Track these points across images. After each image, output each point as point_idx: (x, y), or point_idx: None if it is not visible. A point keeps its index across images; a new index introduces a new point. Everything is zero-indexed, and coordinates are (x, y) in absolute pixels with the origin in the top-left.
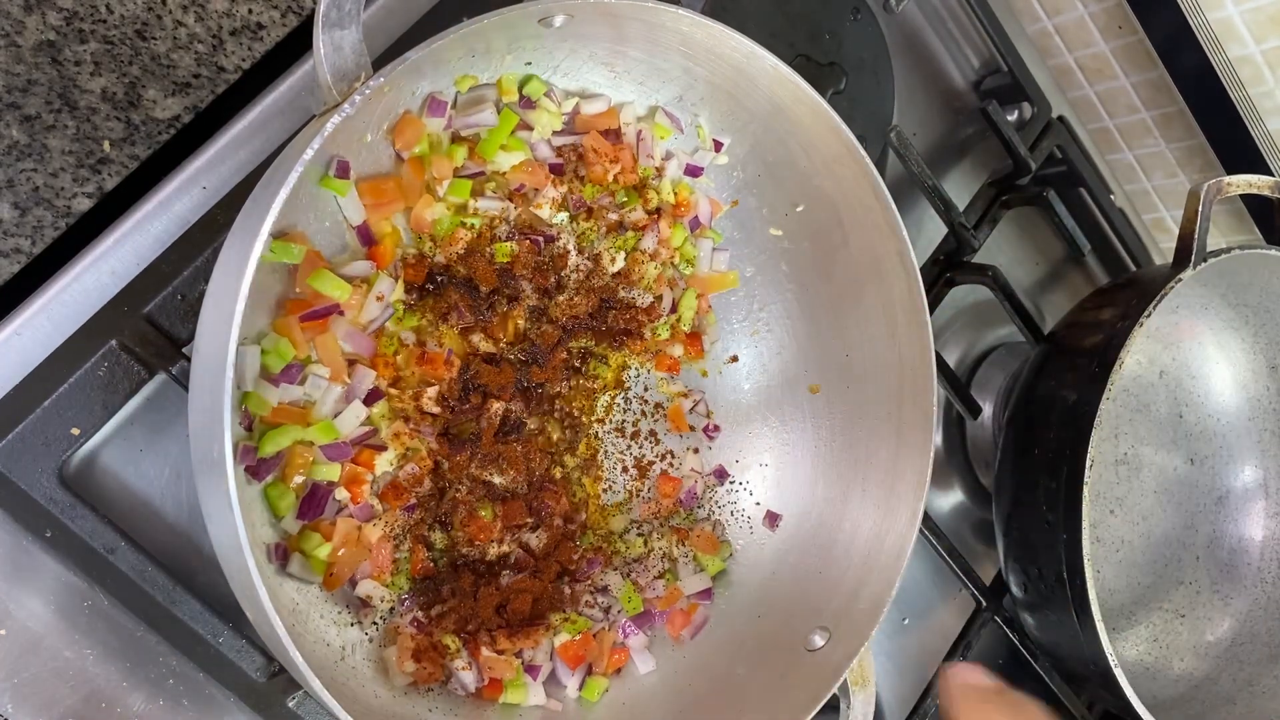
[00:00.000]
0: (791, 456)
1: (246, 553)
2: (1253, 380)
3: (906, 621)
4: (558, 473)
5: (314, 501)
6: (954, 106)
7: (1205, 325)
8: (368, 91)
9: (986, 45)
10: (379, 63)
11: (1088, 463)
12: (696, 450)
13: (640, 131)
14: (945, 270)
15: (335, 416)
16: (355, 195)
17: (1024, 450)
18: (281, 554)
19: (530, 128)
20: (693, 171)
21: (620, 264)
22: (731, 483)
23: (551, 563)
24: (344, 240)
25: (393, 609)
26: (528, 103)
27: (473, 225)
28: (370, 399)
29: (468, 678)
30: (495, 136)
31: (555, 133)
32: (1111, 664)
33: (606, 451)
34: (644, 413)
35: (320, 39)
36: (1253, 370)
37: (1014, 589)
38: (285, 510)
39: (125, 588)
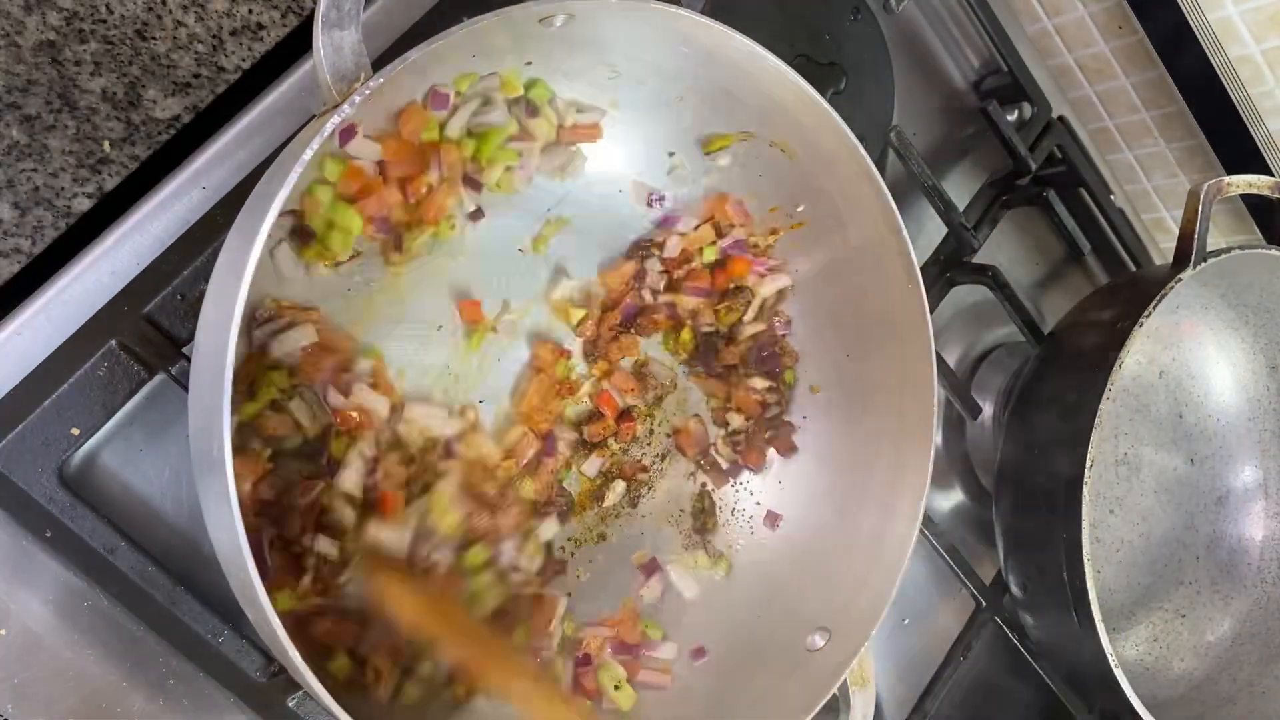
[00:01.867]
0: (792, 456)
1: (246, 552)
2: (1253, 380)
3: (906, 621)
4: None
5: None
6: (954, 106)
7: (1205, 325)
8: (367, 92)
9: (986, 45)
10: (379, 63)
11: (1088, 463)
12: None
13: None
14: (945, 270)
15: None
16: None
17: (1024, 450)
18: None
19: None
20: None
21: None
22: (732, 483)
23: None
24: None
25: None
26: (532, 110)
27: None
28: None
29: None
30: (494, 136)
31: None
32: (1111, 664)
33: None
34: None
35: (320, 39)
36: (1253, 370)
37: (1014, 589)
38: None
39: (125, 588)
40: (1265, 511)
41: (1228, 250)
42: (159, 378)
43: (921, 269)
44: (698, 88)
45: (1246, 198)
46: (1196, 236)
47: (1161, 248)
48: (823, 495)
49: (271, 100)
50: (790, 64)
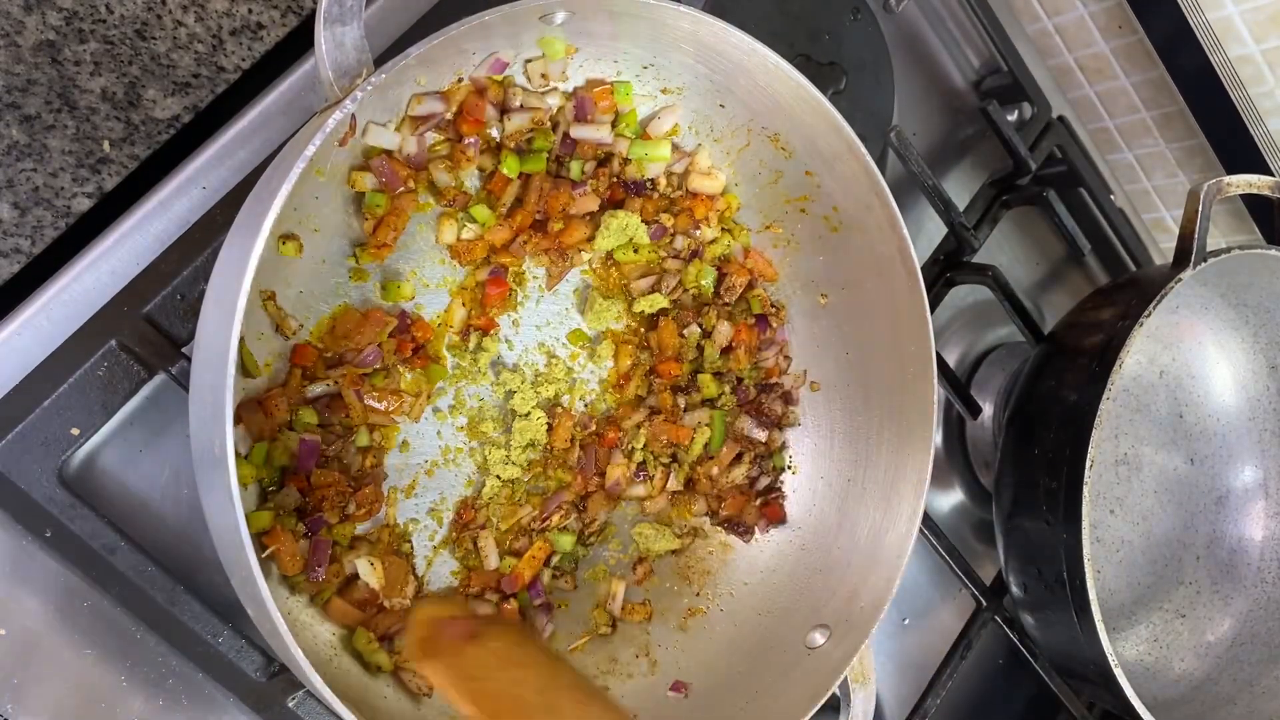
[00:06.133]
0: (792, 455)
1: (248, 547)
2: (1253, 380)
3: (906, 621)
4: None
5: None
6: (954, 106)
7: (1205, 325)
8: (369, 88)
9: (986, 45)
10: (380, 61)
11: (1088, 463)
12: None
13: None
14: (945, 270)
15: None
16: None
17: (1024, 450)
18: None
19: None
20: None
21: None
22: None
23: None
24: (343, 245)
25: None
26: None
27: None
28: None
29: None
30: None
31: None
32: (1111, 664)
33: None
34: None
35: (322, 35)
36: (1253, 370)
37: (1014, 589)
38: None
39: (125, 588)
40: (1265, 511)
41: (1228, 250)
42: (159, 378)
43: (921, 269)
44: (698, 84)
45: (1246, 198)
46: (1196, 236)
47: (1161, 248)
48: (822, 494)
49: (271, 100)
50: (790, 63)
